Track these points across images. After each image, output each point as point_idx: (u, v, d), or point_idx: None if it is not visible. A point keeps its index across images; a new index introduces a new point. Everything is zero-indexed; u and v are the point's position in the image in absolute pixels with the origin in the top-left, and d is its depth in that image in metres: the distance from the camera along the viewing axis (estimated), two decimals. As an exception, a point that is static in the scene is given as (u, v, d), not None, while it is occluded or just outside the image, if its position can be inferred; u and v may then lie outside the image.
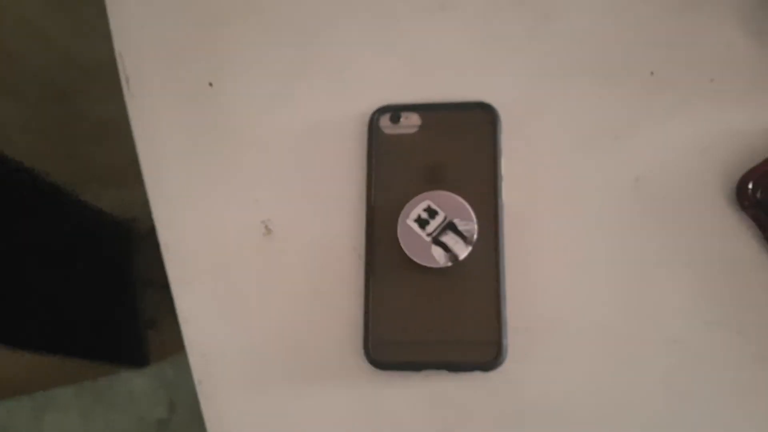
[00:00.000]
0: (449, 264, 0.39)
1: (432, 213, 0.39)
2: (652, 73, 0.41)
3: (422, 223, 0.39)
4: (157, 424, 1.27)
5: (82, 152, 1.09)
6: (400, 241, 0.39)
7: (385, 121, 0.42)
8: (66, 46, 0.88)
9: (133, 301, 1.29)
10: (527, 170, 0.41)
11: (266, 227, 0.42)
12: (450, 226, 0.39)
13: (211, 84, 0.44)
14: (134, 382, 1.29)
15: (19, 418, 1.30)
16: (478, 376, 0.39)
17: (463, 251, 0.39)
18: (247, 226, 0.42)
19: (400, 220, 0.39)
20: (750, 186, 0.39)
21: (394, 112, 0.42)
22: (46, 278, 1.06)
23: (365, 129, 0.42)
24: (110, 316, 1.24)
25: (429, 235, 0.39)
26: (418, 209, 0.39)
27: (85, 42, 0.84)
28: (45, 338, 1.03)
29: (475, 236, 0.39)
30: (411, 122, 0.42)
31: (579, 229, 0.40)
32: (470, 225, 0.39)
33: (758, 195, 0.39)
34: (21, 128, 1.00)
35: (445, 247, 0.39)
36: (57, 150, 1.07)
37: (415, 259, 0.39)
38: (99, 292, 1.21)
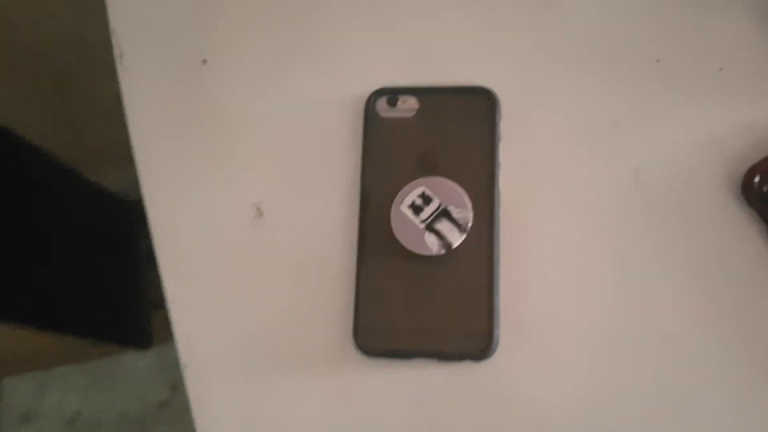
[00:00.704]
0: (442, 252, 0.38)
1: (426, 199, 0.38)
2: (658, 60, 0.40)
3: (416, 209, 0.38)
4: (159, 405, 1.27)
5: (88, 131, 1.09)
6: (393, 227, 0.38)
7: (381, 104, 0.41)
8: (69, 24, 0.88)
9: (138, 282, 1.29)
10: (526, 158, 0.40)
11: (258, 210, 0.41)
12: (444, 214, 0.38)
13: (205, 61, 0.43)
14: (137, 363, 1.29)
15: (22, 394, 1.31)
16: (467, 366, 0.38)
17: (456, 239, 0.38)
18: (238, 208, 0.41)
19: (393, 206, 0.39)
20: (756, 179, 0.37)
21: (392, 95, 0.41)
22: (51, 257, 1.07)
23: (361, 112, 0.41)
24: (115, 296, 1.24)
25: (423, 222, 0.38)
26: (412, 195, 0.39)
27: (88, 19, 0.84)
28: (49, 316, 1.03)
29: (470, 224, 0.38)
30: (408, 106, 0.41)
31: (576, 219, 0.39)
32: (465, 213, 0.38)
33: (765, 189, 0.37)
34: (26, 107, 1.00)
35: (439, 235, 0.38)
36: (63, 129, 1.07)
37: (407, 247, 0.38)
38: (104, 273, 1.21)
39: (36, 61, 0.93)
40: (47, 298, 1.04)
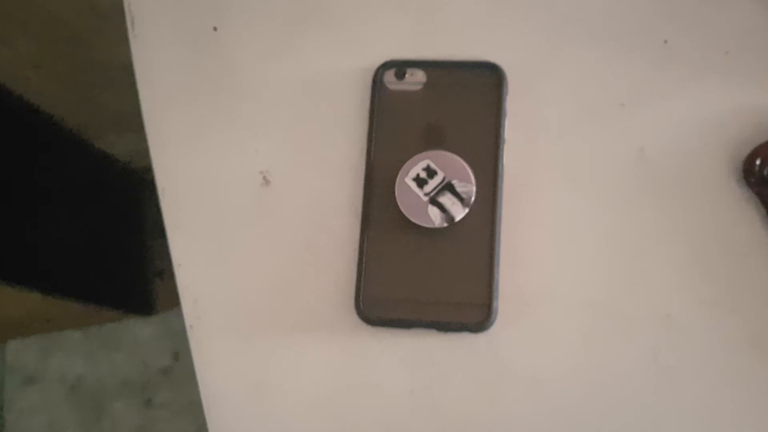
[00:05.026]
0: (445, 225, 0.38)
1: (431, 173, 0.39)
2: (665, 41, 0.40)
3: (420, 182, 0.39)
4: (161, 371, 1.29)
5: (97, 97, 1.09)
6: (398, 199, 0.39)
7: (389, 77, 0.41)
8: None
9: (143, 250, 1.30)
10: (530, 135, 0.40)
11: (264, 178, 0.42)
12: (448, 187, 0.39)
13: (215, 28, 0.43)
14: (140, 330, 1.31)
15: (25, 358, 1.33)
16: (465, 337, 0.39)
17: (459, 213, 0.38)
18: (245, 175, 0.42)
19: (398, 178, 0.39)
20: (758, 162, 0.38)
21: (400, 67, 0.41)
22: (58, 222, 1.07)
23: (369, 83, 0.41)
24: (119, 263, 1.26)
25: (426, 194, 0.39)
26: (417, 168, 0.39)
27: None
28: (54, 281, 1.04)
29: (473, 198, 0.38)
30: (416, 79, 0.41)
31: (579, 197, 0.39)
32: (468, 187, 0.38)
33: (765, 172, 0.38)
34: (36, 71, 1.00)
35: (442, 208, 0.38)
36: (72, 94, 1.07)
37: (411, 218, 0.39)
38: (109, 239, 1.22)
39: (47, 24, 0.92)
40: (52, 262, 1.05)
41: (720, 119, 0.39)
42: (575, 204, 0.39)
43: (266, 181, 0.42)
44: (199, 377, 0.39)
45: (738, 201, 0.38)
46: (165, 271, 1.28)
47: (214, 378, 0.40)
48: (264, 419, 0.39)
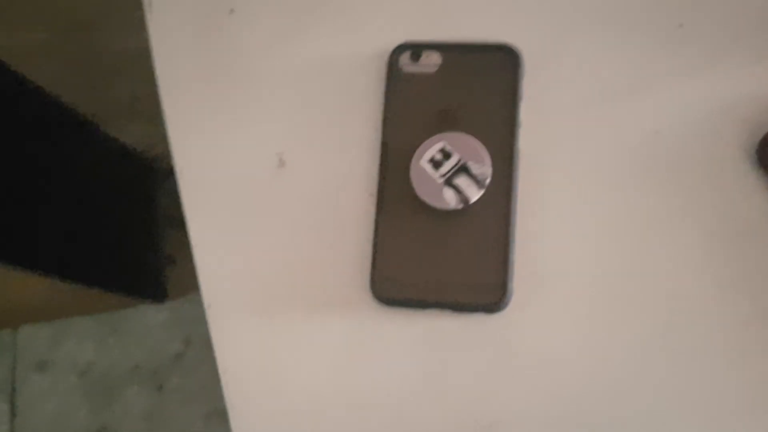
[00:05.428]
0: (460, 206, 0.39)
1: (446, 154, 0.39)
2: (681, 25, 0.40)
3: (436, 164, 0.39)
4: (172, 358, 1.29)
5: (108, 85, 1.09)
6: (413, 181, 0.39)
7: (405, 59, 0.41)
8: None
9: (154, 238, 1.30)
10: (546, 117, 0.40)
11: (280, 159, 0.42)
12: (463, 169, 0.39)
13: (232, 10, 0.43)
14: (152, 317, 1.31)
15: (38, 342, 1.34)
16: (480, 318, 0.39)
17: (474, 194, 0.38)
18: (261, 156, 0.42)
19: (413, 160, 0.39)
20: (772, 146, 0.38)
21: (415, 49, 0.41)
22: (70, 208, 1.08)
23: (384, 65, 0.42)
24: (131, 250, 1.26)
25: (442, 176, 0.39)
26: (432, 150, 0.39)
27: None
28: (66, 267, 1.05)
29: (488, 180, 0.39)
30: (431, 61, 0.41)
31: (593, 179, 0.40)
32: (484, 168, 0.39)
33: (780, 155, 0.38)
34: (48, 58, 1.00)
35: (458, 190, 0.39)
36: (83, 82, 1.08)
37: (426, 200, 0.39)
38: (121, 226, 1.23)
39: (58, 11, 0.93)
40: (64, 248, 1.06)
41: (734, 102, 0.39)
42: (590, 186, 0.40)
43: (282, 163, 0.42)
44: (217, 355, 0.40)
45: (753, 183, 0.38)
46: (177, 259, 1.29)
47: (231, 356, 0.40)
48: (280, 396, 0.40)
